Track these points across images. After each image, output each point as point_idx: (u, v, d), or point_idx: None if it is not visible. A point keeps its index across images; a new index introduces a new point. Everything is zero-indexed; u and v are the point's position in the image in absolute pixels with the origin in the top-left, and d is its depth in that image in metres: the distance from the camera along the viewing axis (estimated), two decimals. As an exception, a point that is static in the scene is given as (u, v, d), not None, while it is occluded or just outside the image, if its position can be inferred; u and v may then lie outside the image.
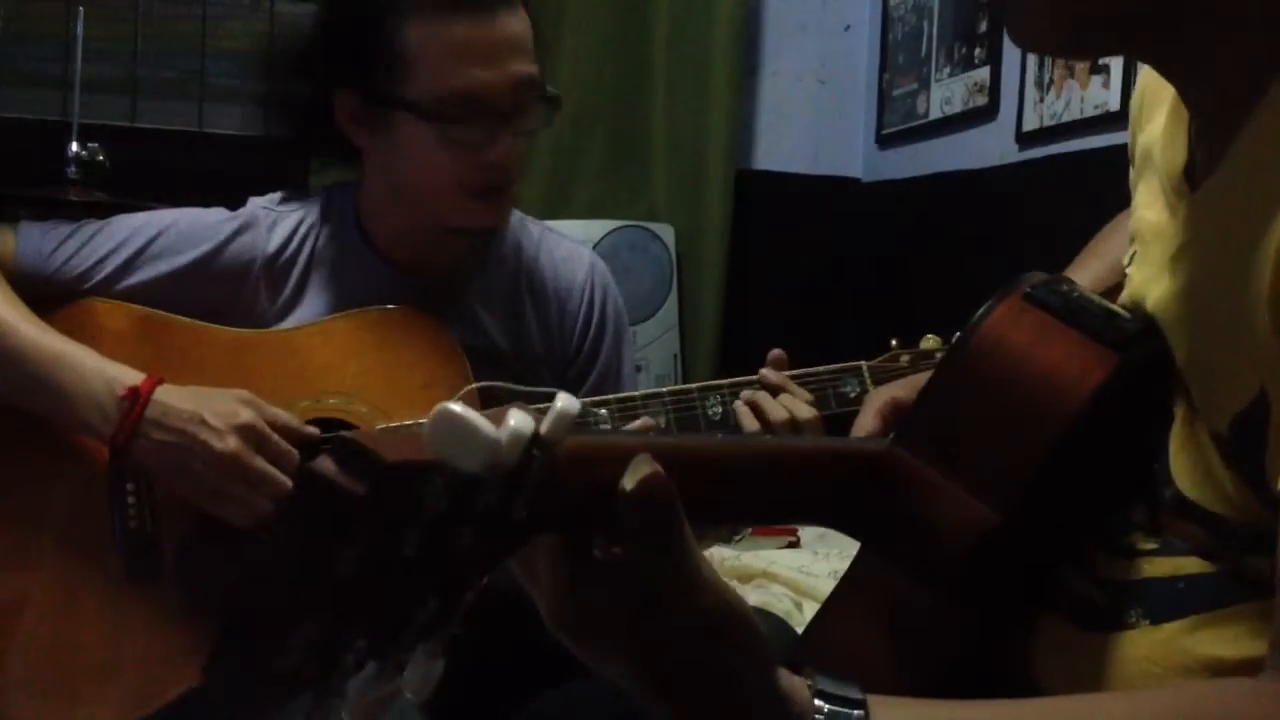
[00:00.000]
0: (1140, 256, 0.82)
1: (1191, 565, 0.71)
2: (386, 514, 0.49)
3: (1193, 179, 0.76)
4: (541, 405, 0.56)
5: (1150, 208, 0.81)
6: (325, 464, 0.49)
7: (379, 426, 1.36)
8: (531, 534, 0.58)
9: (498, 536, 0.55)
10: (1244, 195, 0.69)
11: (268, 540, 0.49)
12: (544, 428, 0.54)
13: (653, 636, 0.59)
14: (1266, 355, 0.65)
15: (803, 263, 3.10)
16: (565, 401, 0.55)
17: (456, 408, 0.49)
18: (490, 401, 1.40)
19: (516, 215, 1.57)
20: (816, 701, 0.60)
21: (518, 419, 0.52)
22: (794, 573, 2.08)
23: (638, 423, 0.67)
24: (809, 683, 0.61)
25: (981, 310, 0.76)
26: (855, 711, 0.60)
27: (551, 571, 0.60)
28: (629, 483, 0.57)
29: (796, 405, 1.35)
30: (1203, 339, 0.71)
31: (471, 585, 0.56)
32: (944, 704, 0.67)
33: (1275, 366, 0.64)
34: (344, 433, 0.51)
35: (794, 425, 1.34)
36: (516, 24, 1.37)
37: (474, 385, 1.32)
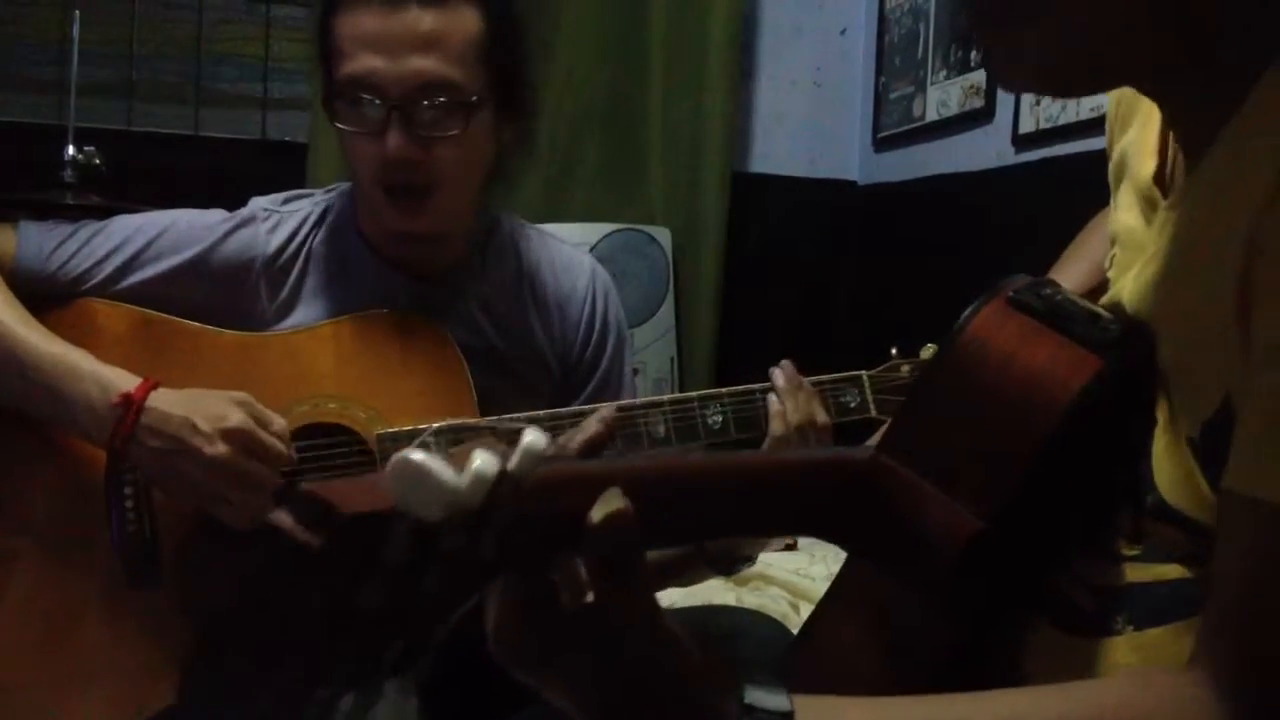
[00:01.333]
0: (1119, 260, 0.82)
1: (1174, 571, 0.72)
2: (346, 565, 0.49)
3: (1163, 186, 0.77)
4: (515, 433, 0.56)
5: (1128, 211, 0.82)
6: (282, 518, 0.49)
7: (376, 433, 1.36)
8: (502, 569, 0.58)
9: (467, 575, 0.55)
10: (1211, 206, 0.70)
11: (233, 591, 0.49)
12: (512, 465, 0.54)
13: (601, 664, 0.60)
14: (1232, 364, 0.65)
15: (799, 265, 3.10)
16: (533, 437, 0.55)
17: (416, 456, 0.49)
18: (489, 407, 1.40)
19: (515, 220, 1.57)
20: (743, 706, 0.62)
21: (482, 461, 0.52)
22: (790, 575, 2.08)
23: (587, 434, 0.66)
24: (740, 695, 0.62)
25: (965, 315, 0.76)
26: (781, 716, 0.61)
27: (503, 602, 0.61)
28: (598, 514, 0.57)
29: (816, 408, 1.38)
30: (1177, 345, 0.72)
31: (441, 623, 0.56)
32: (877, 701, 0.67)
33: (1239, 375, 0.65)
34: (304, 484, 0.51)
35: (814, 427, 1.36)
36: (433, 21, 1.35)
37: (454, 422, 1.31)
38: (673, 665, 0.62)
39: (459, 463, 0.51)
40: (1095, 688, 0.70)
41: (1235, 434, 0.65)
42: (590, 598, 0.60)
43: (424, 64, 1.34)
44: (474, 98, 1.36)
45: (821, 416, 1.37)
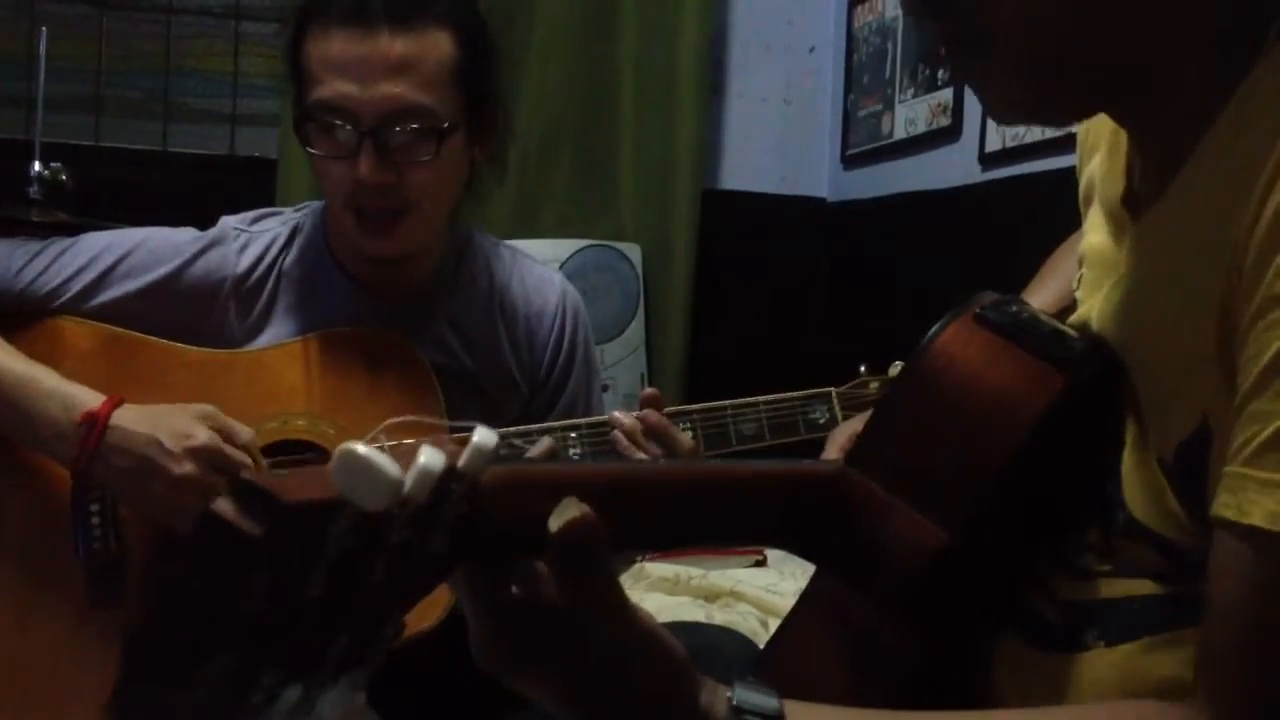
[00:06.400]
0: (1088, 280, 0.83)
1: (1144, 587, 0.72)
2: (288, 554, 0.49)
3: (1132, 207, 0.78)
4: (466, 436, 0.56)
5: (1097, 233, 0.83)
6: (223, 505, 0.49)
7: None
8: (455, 565, 0.58)
9: (417, 570, 0.55)
10: (1185, 227, 0.70)
11: (170, 579, 0.49)
12: (461, 462, 0.54)
13: (574, 667, 0.61)
14: (1209, 385, 0.66)
15: (769, 281, 3.10)
16: (483, 435, 0.55)
17: (359, 447, 0.49)
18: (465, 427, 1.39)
19: (487, 238, 1.57)
20: (731, 709, 0.62)
21: (427, 456, 0.52)
22: (761, 592, 2.08)
23: (541, 446, 0.66)
24: (728, 694, 0.63)
25: (932, 331, 0.77)
26: (768, 716, 0.62)
27: (473, 608, 0.62)
28: (555, 524, 0.58)
29: (674, 442, 1.30)
30: (1149, 365, 0.72)
31: (392, 618, 0.56)
32: (864, 713, 0.68)
33: (1217, 397, 0.65)
34: (245, 474, 0.51)
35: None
36: (409, 46, 1.34)
37: (404, 419, 1.30)
38: (652, 665, 0.62)
39: (407, 459, 0.51)
40: (1091, 715, 0.70)
41: (1215, 461, 0.65)
42: (556, 601, 0.61)
43: (395, 89, 1.33)
44: (446, 123, 1.36)
45: (686, 446, 1.31)
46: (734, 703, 0.63)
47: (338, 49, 1.33)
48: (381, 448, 0.50)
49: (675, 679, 0.63)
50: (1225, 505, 0.62)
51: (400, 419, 0.57)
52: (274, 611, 0.50)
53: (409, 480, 0.51)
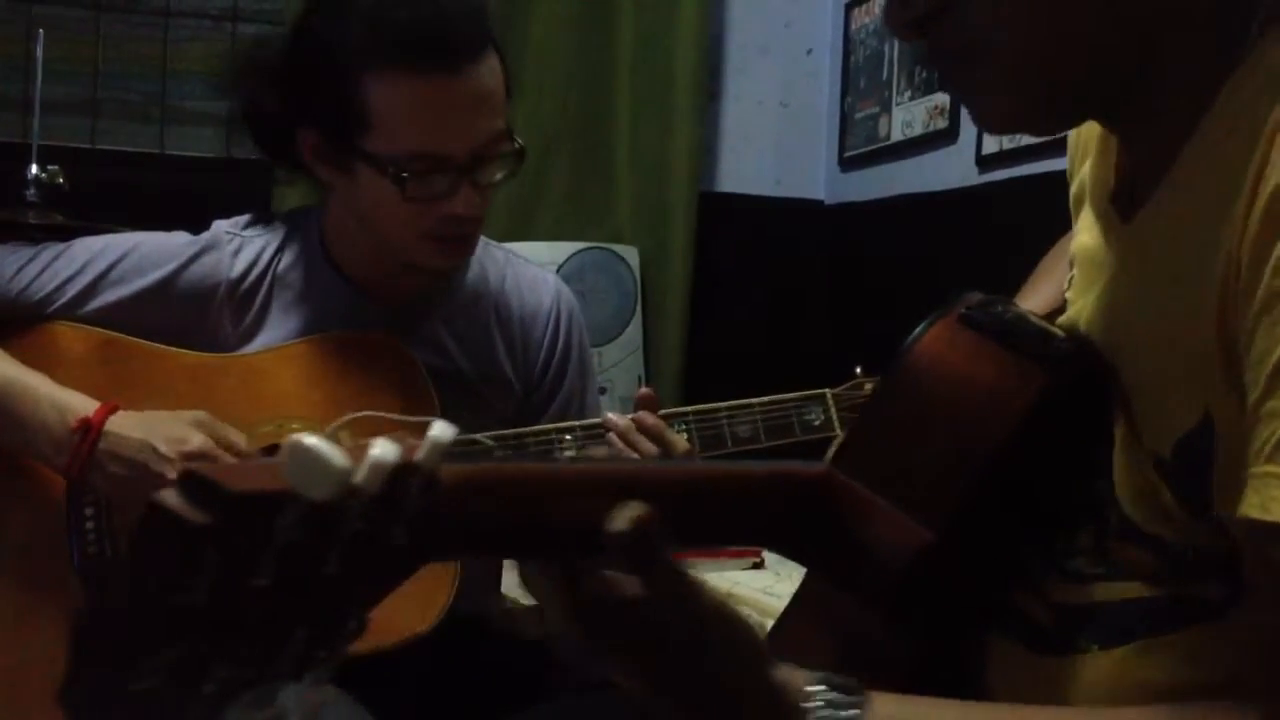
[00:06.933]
0: (1078, 281, 0.83)
1: (1137, 590, 0.72)
2: (235, 544, 0.49)
3: (1121, 208, 0.78)
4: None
5: (1087, 233, 0.83)
6: (169, 495, 0.49)
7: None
8: (418, 561, 0.59)
9: (377, 564, 0.56)
10: (1177, 226, 0.70)
11: (118, 570, 0.49)
12: (419, 456, 0.54)
13: (650, 654, 0.64)
14: (1211, 380, 0.65)
15: (766, 284, 3.10)
16: (439, 429, 0.55)
17: (309, 439, 0.49)
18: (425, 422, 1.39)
19: (482, 241, 1.57)
20: (810, 688, 0.65)
21: (381, 449, 0.52)
22: (758, 594, 2.08)
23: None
24: (808, 673, 0.65)
25: (917, 331, 0.77)
26: (853, 697, 0.64)
27: (548, 604, 0.65)
28: (619, 524, 0.59)
29: (670, 443, 1.32)
30: (1142, 362, 0.72)
31: (353, 612, 0.56)
32: (943, 703, 0.69)
33: (1218, 391, 0.65)
34: (195, 465, 0.51)
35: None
36: (485, 77, 1.33)
37: (361, 415, 1.29)
38: (728, 646, 0.64)
39: (360, 452, 0.51)
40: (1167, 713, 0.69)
41: (1223, 457, 0.65)
42: (625, 595, 0.63)
43: (485, 124, 1.34)
44: (518, 143, 1.38)
45: (681, 447, 1.34)
46: (818, 678, 0.65)
47: (423, 95, 1.30)
48: (335, 437, 0.50)
49: (751, 657, 0.65)
50: (1251, 505, 0.62)
51: (359, 414, 0.57)
52: (222, 602, 0.50)
53: (361, 472, 0.51)
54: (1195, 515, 0.67)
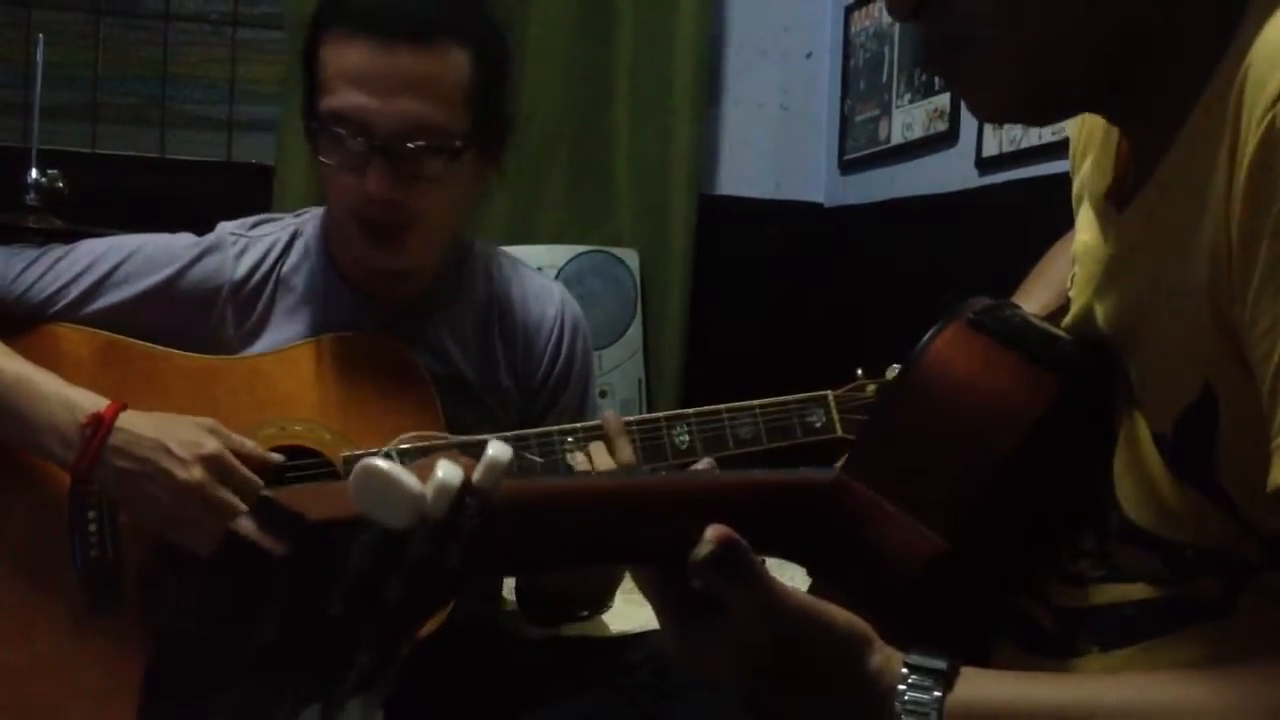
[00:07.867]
0: (1080, 278, 0.84)
1: (1138, 591, 0.72)
2: (309, 573, 0.49)
3: (1116, 201, 0.78)
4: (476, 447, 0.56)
5: (1087, 230, 0.83)
6: (245, 524, 0.48)
7: (343, 455, 1.36)
8: (465, 581, 0.58)
9: (431, 586, 0.55)
10: (1170, 204, 0.71)
11: (192, 602, 0.48)
12: (476, 476, 0.54)
13: (749, 655, 0.68)
14: (1208, 350, 0.66)
15: (766, 286, 3.11)
16: (496, 449, 0.55)
17: (380, 464, 0.49)
18: (454, 434, 1.39)
19: (489, 247, 1.57)
20: (903, 670, 0.67)
21: (445, 471, 0.52)
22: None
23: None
24: (902, 655, 0.68)
25: (926, 337, 0.77)
26: (937, 678, 0.67)
27: (658, 609, 0.70)
28: (703, 550, 0.64)
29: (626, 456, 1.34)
30: (1144, 343, 0.73)
31: (406, 635, 0.56)
32: (1027, 677, 0.70)
33: (1218, 360, 0.65)
34: (266, 491, 0.50)
35: None
36: (431, 63, 1.32)
37: (414, 435, 1.31)
38: (816, 642, 0.68)
39: (423, 474, 0.51)
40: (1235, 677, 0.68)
41: (1227, 427, 0.66)
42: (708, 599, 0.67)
43: (411, 106, 1.31)
44: (458, 142, 1.35)
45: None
46: (907, 662, 0.67)
47: (355, 59, 1.32)
48: (390, 457, 0.50)
49: (842, 649, 0.68)
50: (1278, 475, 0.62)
51: (414, 434, 0.57)
52: (295, 632, 0.49)
53: (428, 494, 0.50)
54: (1200, 491, 0.67)
